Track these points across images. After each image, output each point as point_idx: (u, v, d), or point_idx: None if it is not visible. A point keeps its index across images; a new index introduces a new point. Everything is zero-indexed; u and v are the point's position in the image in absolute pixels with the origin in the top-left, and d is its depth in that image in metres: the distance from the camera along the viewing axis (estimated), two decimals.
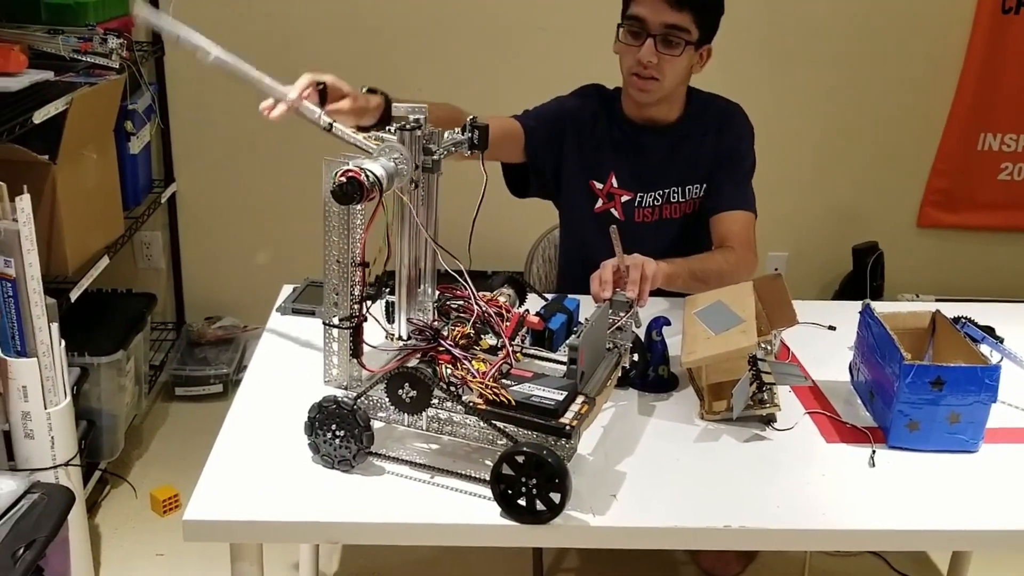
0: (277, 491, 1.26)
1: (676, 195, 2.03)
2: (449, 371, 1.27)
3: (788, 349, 1.78)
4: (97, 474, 2.41)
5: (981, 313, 1.89)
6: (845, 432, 1.50)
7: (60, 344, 1.91)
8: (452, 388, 1.27)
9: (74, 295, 2.22)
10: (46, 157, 2.15)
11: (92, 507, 2.43)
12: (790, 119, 3.19)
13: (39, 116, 2.03)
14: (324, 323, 1.30)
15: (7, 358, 1.84)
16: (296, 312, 1.79)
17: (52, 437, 1.90)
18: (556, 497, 1.21)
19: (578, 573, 2.35)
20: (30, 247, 1.78)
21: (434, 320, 1.38)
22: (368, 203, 1.23)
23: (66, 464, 1.94)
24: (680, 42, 1.86)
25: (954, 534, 1.32)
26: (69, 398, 1.93)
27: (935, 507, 1.32)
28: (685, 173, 2.03)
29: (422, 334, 1.31)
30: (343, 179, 1.16)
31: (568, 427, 1.22)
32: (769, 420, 1.51)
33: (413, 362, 1.29)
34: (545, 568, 2.27)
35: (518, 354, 1.34)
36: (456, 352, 1.27)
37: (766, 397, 1.49)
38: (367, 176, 1.15)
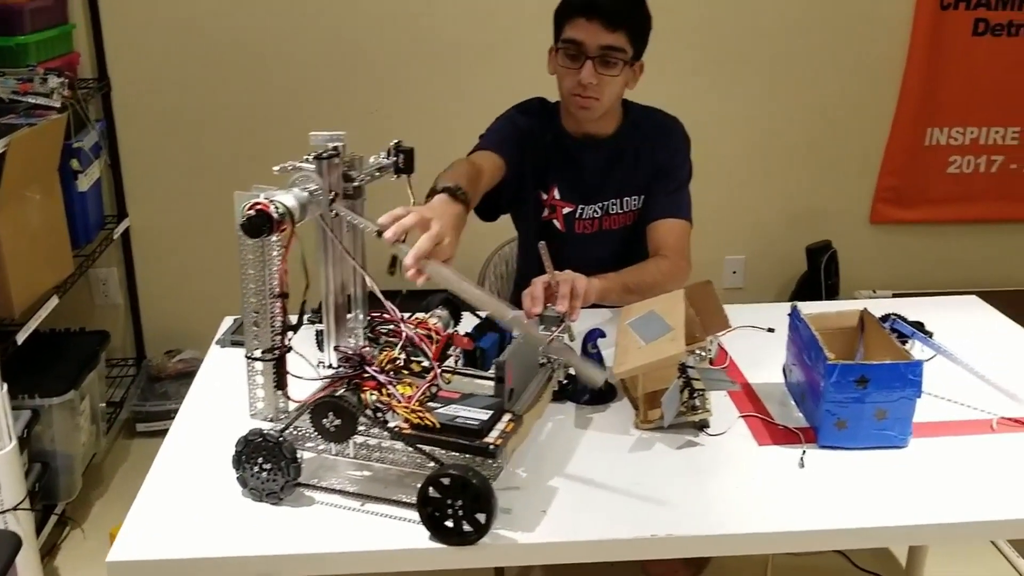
0: (205, 527, 1.26)
1: (615, 207, 2.05)
2: (374, 397, 1.27)
3: (726, 353, 1.79)
4: (54, 517, 2.40)
5: (917, 308, 1.91)
6: (777, 434, 1.52)
7: (1, 388, 1.90)
8: (378, 414, 1.27)
9: (21, 337, 2.21)
10: None
11: (52, 549, 2.42)
12: (738, 125, 3.23)
13: None
14: (246, 356, 1.31)
15: None
16: (235, 344, 1.79)
17: None
18: (482, 518, 1.21)
19: None
20: None
21: (364, 346, 1.38)
22: (283, 233, 1.23)
23: (14, 509, 1.93)
24: (618, 62, 1.88)
25: (884, 530, 1.32)
26: (14, 442, 1.93)
27: (864, 504, 1.34)
28: (623, 185, 2.05)
29: (349, 361, 1.31)
30: (251, 212, 1.16)
31: (492, 446, 1.23)
32: (702, 426, 1.52)
33: (340, 391, 1.30)
34: None
35: (448, 375, 1.35)
36: (381, 378, 1.28)
37: (698, 403, 1.50)
38: (276, 208, 1.16)
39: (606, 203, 2.06)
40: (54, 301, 2.41)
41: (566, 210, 2.06)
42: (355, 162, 1.32)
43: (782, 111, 3.23)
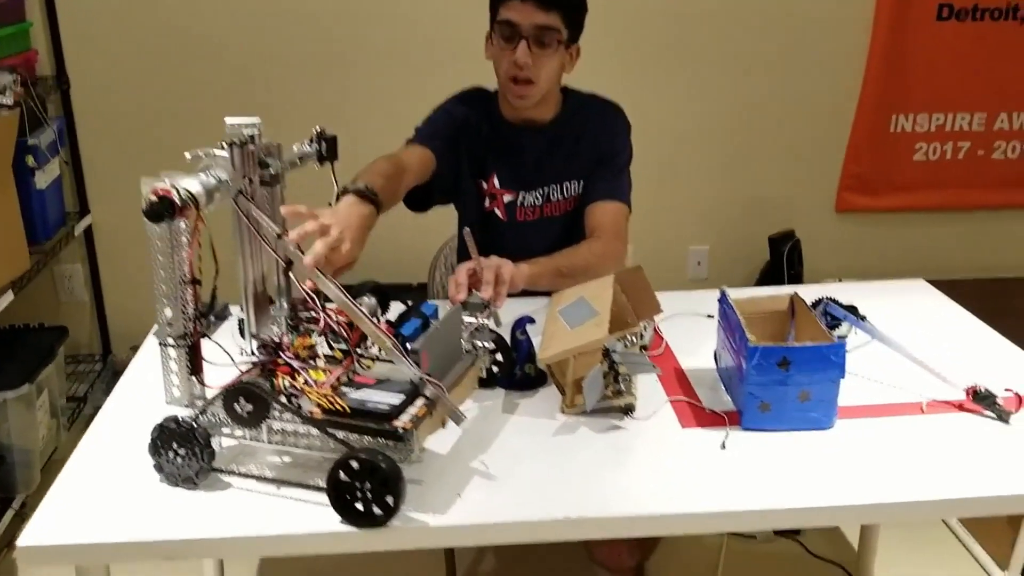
0: (119, 512, 1.27)
1: (556, 193, 2.06)
2: (288, 383, 1.28)
3: (661, 339, 1.80)
4: (11, 511, 2.40)
5: (862, 293, 1.92)
6: (703, 417, 1.52)
7: None
8: (292, 400, 1.27)
9: None
10: None
11: (10, 542, 2.42)
12: (700, 114, 3.23)
13: None
14: (159, 343, 1.31)
15: None
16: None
17: None
18: (391, 500, 1.22)
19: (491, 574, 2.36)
20: None
21: (283, 334, 1.39)
22: (190, 220, 1.23)
23: None
24: (552, 41, 1.90)
25: (803, 511, 1.33)
26: None
27: (783, 485, 1.34)
28: (564, 171, 2.05)
29: (265, 348, 1.32)
30: (153, 197, 1.17)
31: (402, 430, 1.24)
32: (628, 410, 1.53)
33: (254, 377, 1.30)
34: (459, 571, 2.27)
35: (369, 362, 1.35)
36: (294, 364, 1.28)
37: (623, 387, 1.51)
38: (179, 193, 1.16)
39: (547, 189, 2.06)
40: (9, 296, 2.42)
41: (507, 198, 2.07)
42: (272, 149, 1.32)
43: (744, 99, 3.23)
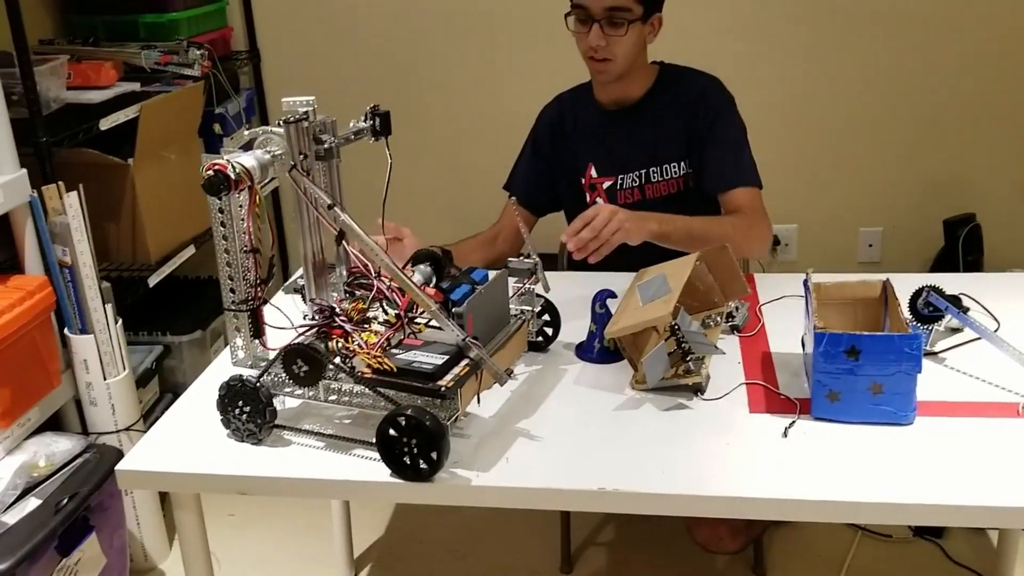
0: (201, 450, 1.42)
1: (656, 175, 2.05)
2: (340, 344, 1.37)
3: (759, 320, 1.76)
4: None
5: (992, 284, 1.79)
6: (775, 403, 1.49)
7: (117, 323, 2.17)
8: (345, 360, 1.37)
9: (153, 280, 2.49)
10: (125, 159, 2.43)
11: None
12: (873, 89, 3.04)
13: (106, 123, 2.31)
14: (225, 308, 1.44)
15: (70, 335, 2.12)
16: (296, 292, 1.94)
17: (112, 405, 2.17)
18: (435, 456, 1.29)
19: (607, 550, 2.39)
20: (80, 237, 2.05)
21: (340, 299, 1.47)
22: (246, 192, 1.33)
23: (127, 429, 2.21)
24: (623, 21, 1.91)
25: (855, 505, 1.27)
26: (128, 370, 2.20)
27: (837, 477, 1.30)
28: (661, 151, 2.04)
29: (322, 312, 1.41)
30: (210, 172, 1.28)
31: (444, 388, 1.31)
32: (697, 390, 1.52)
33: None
34: (572, 549, 2.33)
35: (422, 326, 1.42)
36: (347, 327, 1.37)
37: (692, 367, 1.50)
38: (233, 168, 1.28)
39: (645, 171, 2.05)
40: (191, 250, 2.69)
41: (606, 184, 2.08)
42: (328, 125, 1.41)
43: (920, 71, 3.01)
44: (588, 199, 2.11)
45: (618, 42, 1.91)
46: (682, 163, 2.03)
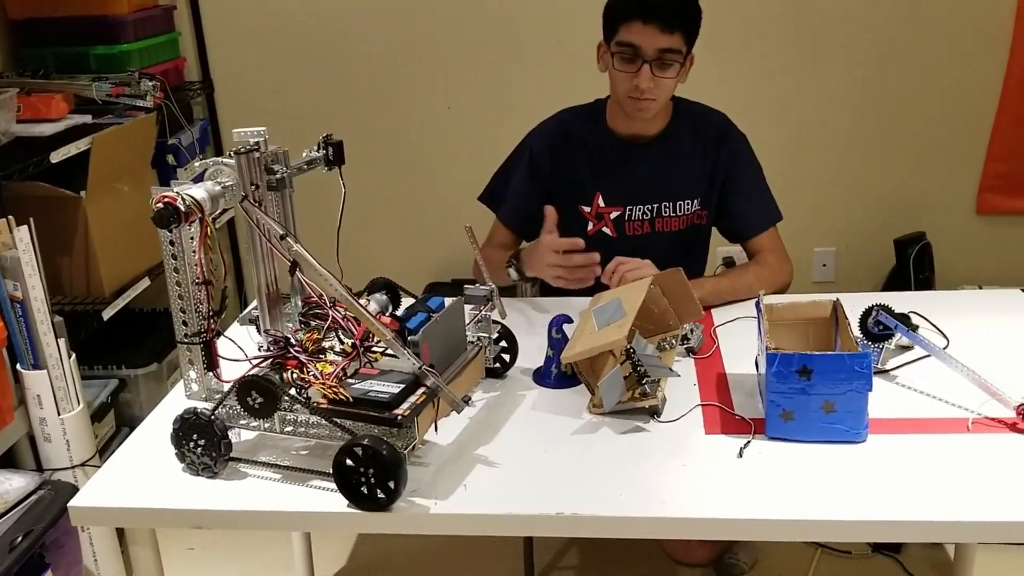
0: (155, 484, 1.40)
1: (668, 209, 2.05)
2: (296, 375, 1.36)
3: (714, 342, 1.78)
4: None
5: (949, 302, 1.83)
6: (729, 424, 1.50)
7: (71, 357, 2.14)
8: (300, 391, 1.36)
9: (108, 314, 2.46)
10: (78, 192, 2.41)
11: None
12: (830, 111, 3.11)
13: (57, 156, 2.28)
14: (178, 341, 1.43)
15: (23, 370, 2.09)
16: (251, 323, 1.93)
17: (67, 441, 2.14)
18: (392, 484, 1.29)
19: (573, 572, 2.39)
20: (31, 272, 2.02)
21: (296, 330, 1.47)
22: (197, 224, 1.32)
23: (83, 465, 2.17)
24: (674, 63, 1.88)
25: (809, 523, 1.29)
26: (82, 405, 2.16)
27: (790, 496, 1.31)
28: (677, 188, 2.04)
29: (276, 343, 1.41)
30: (159, 204, 1.27)
31: (400, 417, 1.30)
32: (653, 412, 1.53)
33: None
34: (537, 571, 2.32)
35: (378, 355, 1.42)
36: (302, 357, 1.37)
37: (648, 389, 1.52)
38: (183, 200, 1.27)
39: (658, 205, 2.05)
40: (145, 282, 2.66)
41: (614, 214, 2.06)
42: (279, 155, 1.41)
43: (873, 95, 3.08)
44: (590, 227, 2.08)
45: (664, 83, 1.89)
46: (695, 200, 2.04)
